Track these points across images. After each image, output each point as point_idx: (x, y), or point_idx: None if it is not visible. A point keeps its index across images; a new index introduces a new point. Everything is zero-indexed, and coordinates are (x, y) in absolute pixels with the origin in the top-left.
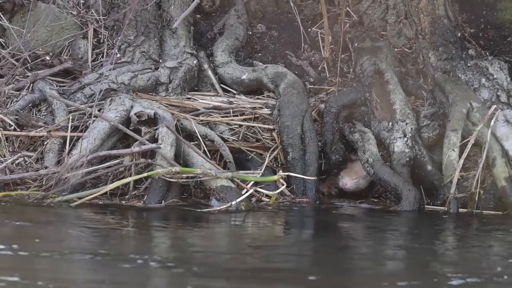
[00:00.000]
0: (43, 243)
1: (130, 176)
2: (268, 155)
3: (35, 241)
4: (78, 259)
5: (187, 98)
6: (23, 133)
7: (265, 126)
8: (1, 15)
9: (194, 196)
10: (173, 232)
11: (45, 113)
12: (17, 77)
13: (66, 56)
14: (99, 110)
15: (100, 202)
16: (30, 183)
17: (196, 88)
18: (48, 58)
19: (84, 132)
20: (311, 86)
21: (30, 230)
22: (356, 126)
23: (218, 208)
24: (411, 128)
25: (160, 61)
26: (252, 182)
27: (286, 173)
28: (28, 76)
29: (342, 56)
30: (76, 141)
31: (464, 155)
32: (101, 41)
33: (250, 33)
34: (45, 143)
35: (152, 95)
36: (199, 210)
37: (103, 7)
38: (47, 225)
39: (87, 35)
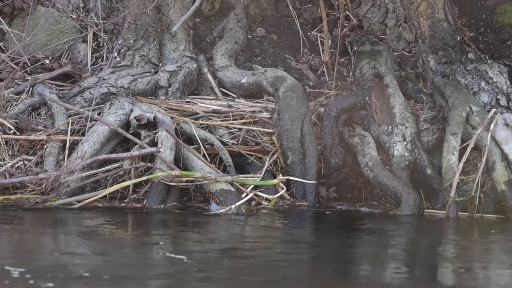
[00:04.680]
0: None
1: (130, 179)
2: (267, 159)
3: None
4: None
5: (187, 102)
6: (22, 136)
7: (265, 129)
8: (1, 19)
9: (193, 199)
10: (171, 234)
11: (45, 117)
12: (16, 81)
13: (66, 59)
14: (98, 114)
15: (100, 205)
16: (30, 186)
17: (195, 92)
18: (47, 61)
19: (84, 135)
20: (311, 90)
21: None
22: (356, 129)
23: (218, 211)
24: (411, 132)
25: (160, 64)
26: (251, 186)
27: (286, 177)
28: (27, 79)
29: (342, 59)
30: (76, 144)
31: (464, 159)
32: (101, 44)
33: (250, 36)
34: (44, 147)
35: (151, 98)
36: (203, 212)
37: (103, 11)
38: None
39: (87, 39)
